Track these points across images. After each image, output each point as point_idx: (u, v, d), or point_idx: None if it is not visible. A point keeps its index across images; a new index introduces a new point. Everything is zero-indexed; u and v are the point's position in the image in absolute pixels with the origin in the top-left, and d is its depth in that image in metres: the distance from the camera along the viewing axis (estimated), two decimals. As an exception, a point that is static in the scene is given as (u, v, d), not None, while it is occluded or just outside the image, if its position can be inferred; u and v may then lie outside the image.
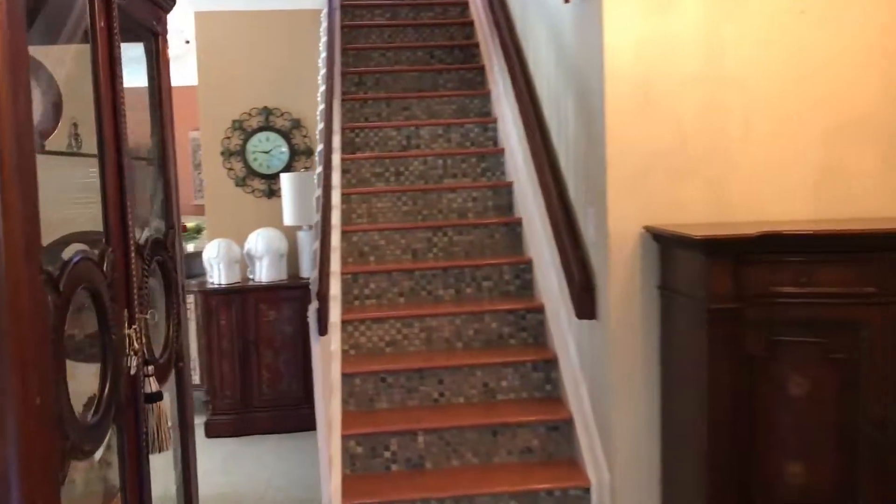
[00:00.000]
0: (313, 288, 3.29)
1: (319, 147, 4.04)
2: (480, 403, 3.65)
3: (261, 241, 4.97)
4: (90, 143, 1.92)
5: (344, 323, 3.87)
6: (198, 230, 5.89)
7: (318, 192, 3.77)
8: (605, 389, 3.08)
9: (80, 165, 2.07)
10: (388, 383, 3.65)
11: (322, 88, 4.34)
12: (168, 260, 2.27)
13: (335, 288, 3.92)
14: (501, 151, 4.71)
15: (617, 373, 2.99)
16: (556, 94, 3.70)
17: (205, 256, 5.03)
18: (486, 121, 4.91)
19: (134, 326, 1.78)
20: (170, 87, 2.39)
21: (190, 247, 5.94)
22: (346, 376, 3.64)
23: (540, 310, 3.89)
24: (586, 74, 3.15)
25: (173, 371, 2.36)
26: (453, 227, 4.31)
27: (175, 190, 2.45)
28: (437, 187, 4.51)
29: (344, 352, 3.86)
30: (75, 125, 2.49)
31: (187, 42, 5.59)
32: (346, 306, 4.05)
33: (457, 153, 4.71)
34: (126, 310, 1.76)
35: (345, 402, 3.64)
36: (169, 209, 2.37)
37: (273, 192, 5.32)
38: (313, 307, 3.16)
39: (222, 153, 5.29)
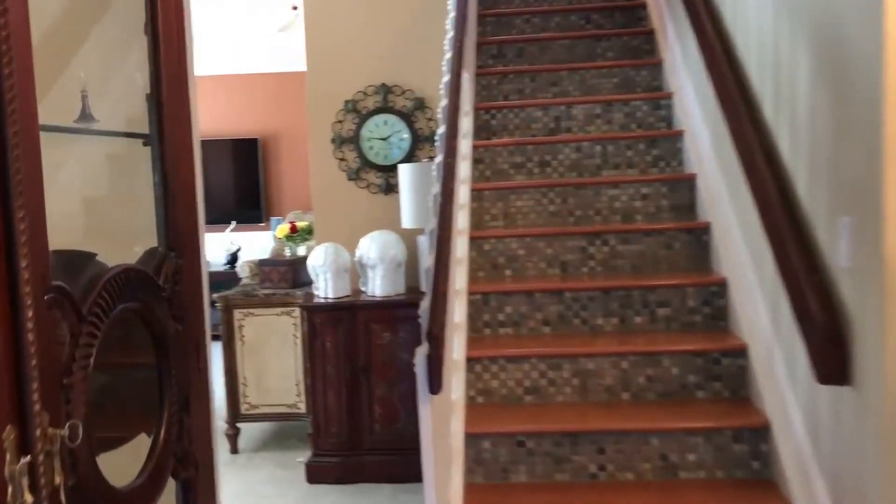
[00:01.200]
0: (424, 320, 2.36)
1: (441, 129, 3.10)
2: (656, 483, 2.62)
3: (374, 247, 4.10)
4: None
5: (470, 361, 2.92)
6: (310, 231, 5.12)
7: (437, 187, 2.83)
8: (866, 496, 1.97)
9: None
10: (527, 449, 2.68)
11: (448, 55, 3.40)
12: (157, 306, 1.40)
13: (459, 314, 2.98)
14: (679, 134, 3.61)
15: (893, 477, 1.87)
16: (774, 55, 2.59)
17: (309, 264, 4.22)
18: (658, 96, 3.82)
19: (32, 455, 0.89)
20: (180, 8, 1.51)
21: (302, 250, 5.18)
22: (471, 437, 2.69)
23: (741, 352, 2.80)
24: (841, 27, 2.05)
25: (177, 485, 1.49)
26: (616, 234, 3.28)
27: (190, 191, 1.58)
28: (595, 181, 3.48)
29: (469, 399, 2.92)
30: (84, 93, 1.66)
31: (294, 8, 4.79)
32: (472, 337, 3.10)
33: (620, 137, 3.65)
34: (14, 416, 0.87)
35: (469, 471, 2.69)
36: (174, 222, 1.50)
37: (391, 188, 4.45)
38: (422, 352, 2.22)
39: (333, 140, 4.45)
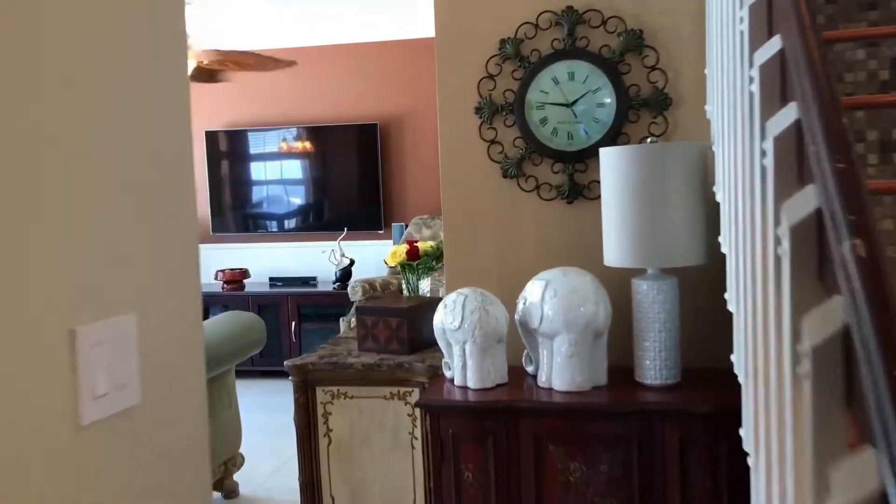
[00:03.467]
0: None
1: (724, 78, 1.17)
2: None
3: (555, 300, 2.23)
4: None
5: None
6: (437, 255, 3.31)
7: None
8: None
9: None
10: None
11: None
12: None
13: None
14: None
15: None
16: None
17: (437, 324, 2.39)
18: None
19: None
20: None
21: (425, 286, 3.36)
22: None
23: None
24: None
25: None
26: None
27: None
28: None
29: None
30: None
31: None
32: None
33: None
34: None
35: None
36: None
37: (579, 190, 2.54)
38: None
39: (478, 110, 2.59)
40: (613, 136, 2.49)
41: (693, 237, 2.19)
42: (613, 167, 2.23)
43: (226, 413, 3.79)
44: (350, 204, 6.67)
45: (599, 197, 2.51)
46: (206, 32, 5.64)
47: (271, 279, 6.60)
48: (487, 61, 2.56)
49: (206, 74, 4.63)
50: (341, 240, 6.23)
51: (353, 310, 5.70)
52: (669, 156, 2.18)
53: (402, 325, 2.89)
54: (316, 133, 6.59)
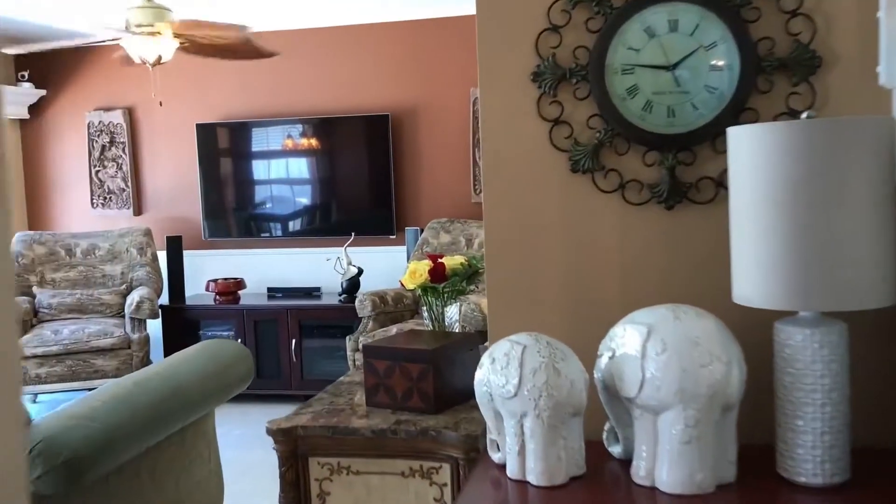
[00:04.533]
0: None
1: None
2: None
3: (665, 358, 1.47)
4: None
5: None
6: (469, 274, 2.55)
7: None
8: None
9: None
10: None
11: None
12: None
13: None
14: None
15: None
16: None
17: (478, 385, 1.63)
18: None
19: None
20: None
21: (452, 313, 2.61)
22: None
23: None
24: None
25: None
26: None
27: None
28: None
29: None
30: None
31: None
32: None
33: None
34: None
35: None
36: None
37: (682, 192, 1.76)
38: None
39: (535, 77, 1.81)
40: (734, 113, 1.72)
41: (881, 265, 1.43)
42: (751, 156, 1.46)
43: (204, 468, 3.04)
44: (358, 205, 5.91)
45: (713, 200, 1.74)
46: (199, 9, 4.90)
47: (269, 290, 5.85)
48: (550, 6, 1.80)
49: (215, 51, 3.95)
50: (348, 246, 5.49)
51: (361, 327, 4.95)
52: (845, 137, 1.41)
53: (425, 373, 2.13)
54: (320, 126, 5.84)
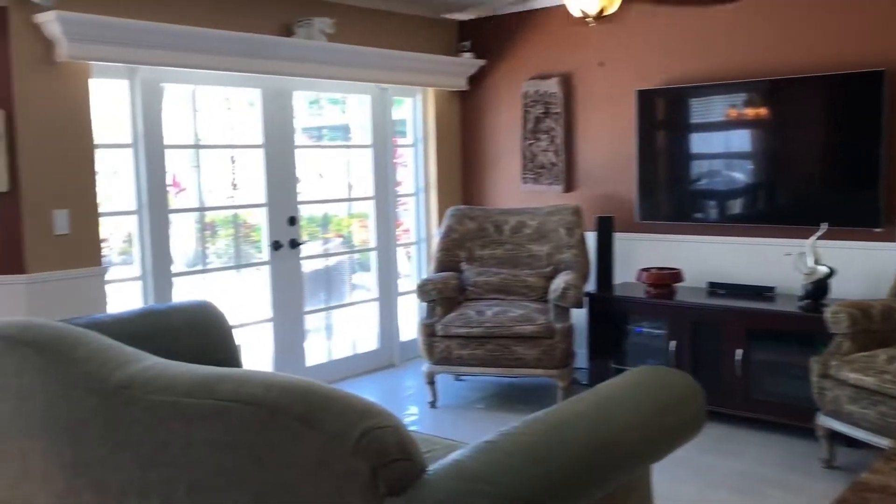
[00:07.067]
0: None
1: None
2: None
3: None
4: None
5: None
6: None
7: None
8: None
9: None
10: None
11: None
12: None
13: None
14: None
15: None
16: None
17: None
18: None
19: None
20: None
21: None
22: None
23: None
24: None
25: None
26: None
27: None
28: None
29: None
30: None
31: None
32: None
33: None
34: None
35: None
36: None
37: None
38: None
39: None
40: None
41: None
42: None
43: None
44: (827, 188, 4.72)
45: None
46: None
47: (711, 285, 4.96)
48: None
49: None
50: (817, 238, 4.36)
51: (834, 347, 3.75)
52: None
53: None
54: (777, 89, 4.75)
